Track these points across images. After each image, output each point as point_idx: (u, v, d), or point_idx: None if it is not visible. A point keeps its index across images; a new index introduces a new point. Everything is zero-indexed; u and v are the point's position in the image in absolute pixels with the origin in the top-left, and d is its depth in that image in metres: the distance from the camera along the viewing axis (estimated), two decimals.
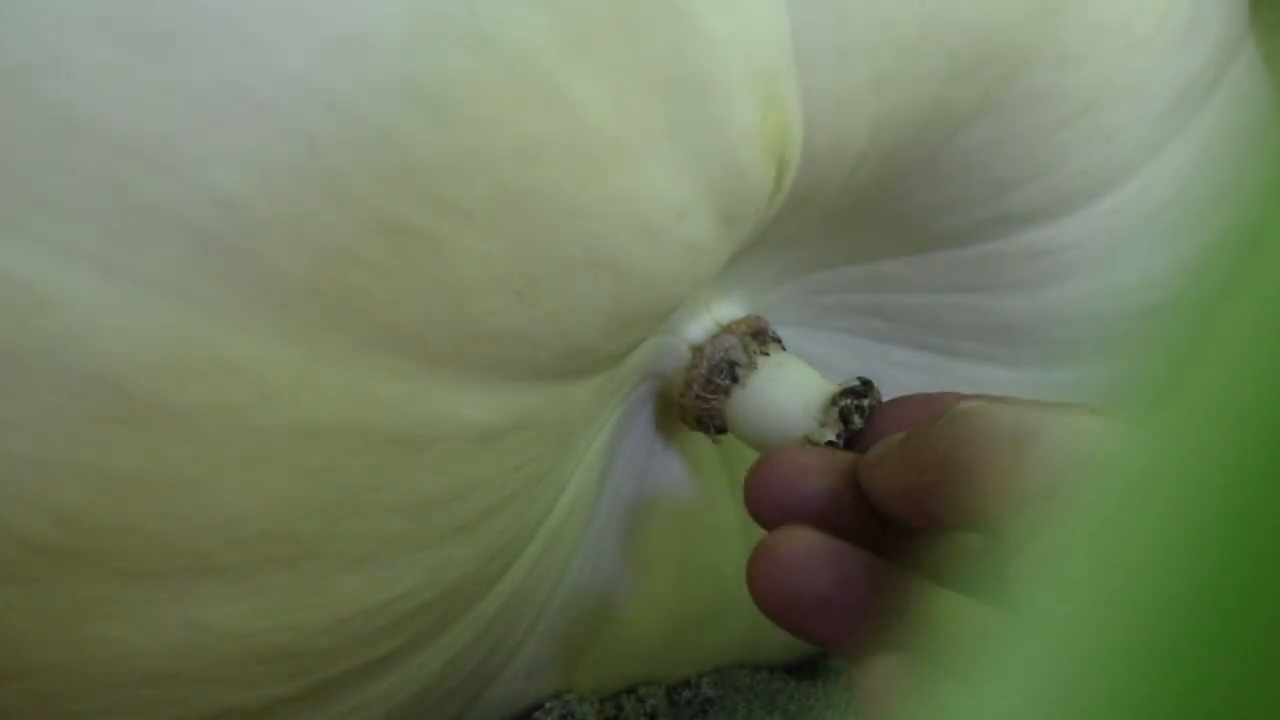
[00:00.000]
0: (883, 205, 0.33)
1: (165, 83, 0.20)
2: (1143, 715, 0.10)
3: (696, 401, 0.34)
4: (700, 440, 0.37)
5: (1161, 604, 0.10)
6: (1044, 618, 0.11)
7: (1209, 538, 0.10)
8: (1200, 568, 0.10)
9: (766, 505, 0.29)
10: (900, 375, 0.38)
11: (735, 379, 0.33)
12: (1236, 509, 0.10)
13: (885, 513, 0.27)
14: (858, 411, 0.32)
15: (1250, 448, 0.10)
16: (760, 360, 0.33)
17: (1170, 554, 0.10)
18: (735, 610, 0.41)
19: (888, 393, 0.33)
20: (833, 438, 0.31)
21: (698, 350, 0.34)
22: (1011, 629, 0.11)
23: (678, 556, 0.39)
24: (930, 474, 0.25)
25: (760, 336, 0.34)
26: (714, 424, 0.34)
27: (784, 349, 0.34)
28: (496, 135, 0.22)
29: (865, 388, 0.32)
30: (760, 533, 0.40)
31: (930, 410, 0.27)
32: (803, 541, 0.27)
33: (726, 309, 0.35)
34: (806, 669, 0.45)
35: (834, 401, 0.32)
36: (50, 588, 0.22)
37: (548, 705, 0.39)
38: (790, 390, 0.33)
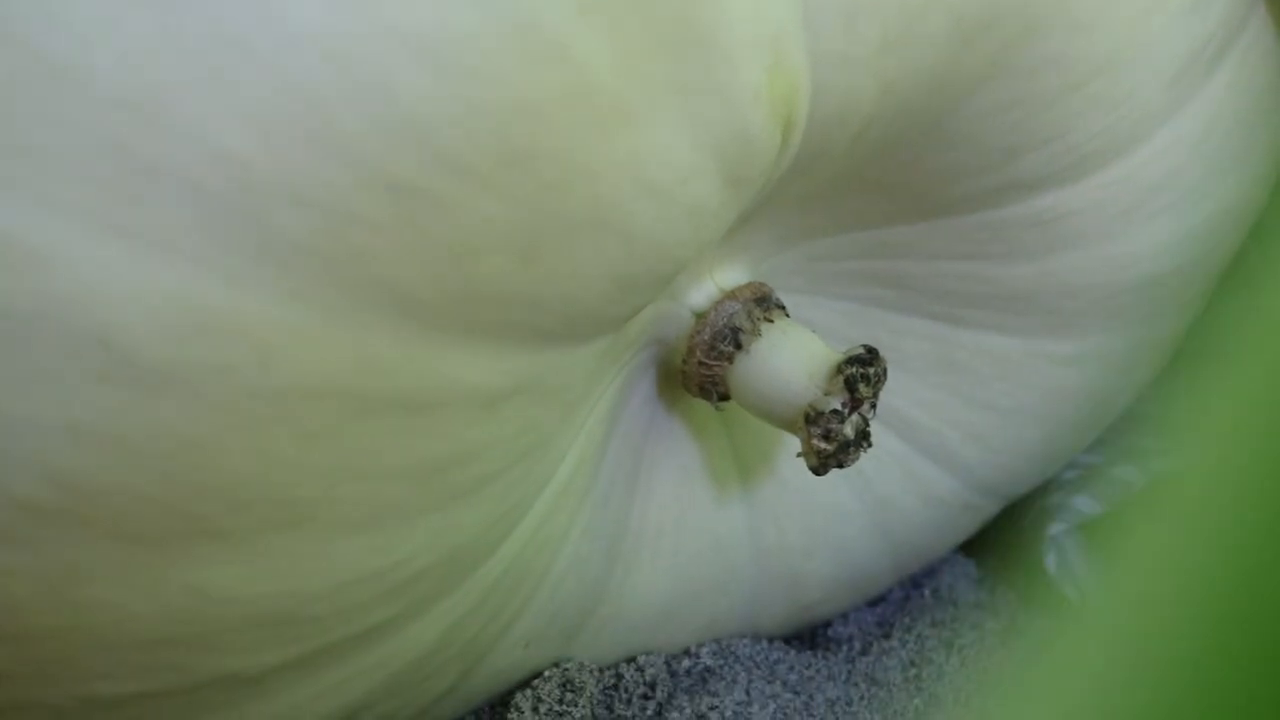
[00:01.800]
0: (889, 171, 0.33)
1: (163, 36, 0.20)
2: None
3: (699, 368, 0.34)
4: (703, 407, 0.37)
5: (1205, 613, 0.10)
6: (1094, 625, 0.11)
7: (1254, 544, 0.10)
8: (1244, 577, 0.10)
9: None
10: (904, 343, 0.38)
11: (739, 346, 0.33)
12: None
13: None
14: (863, 380, 0.31)
15: None
16: (764, 327, 0.33)
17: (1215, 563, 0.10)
18: (736, 579, 0.41)
19: (892, 361, 0.33)
20: (837, 406, 0.31)
21: (701, 316, 0.34)
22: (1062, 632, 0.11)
23: (678, 525, 0.39)
24: None
25: (764, 303, 0.34)
26: (717, 391, 0.34)
27: (788, 316, 0.34)
28: (499, 93, 0.22)
29: (870, 356, 0.32)
30: (762, 501, 0.40)
31: None
32: None
33: (730, 275, 0.35)
34: (806, 640, 0.45)
35: (839, 370, 0.32)
36: (47, 551, 0.22)
37: (546, 674, 0.39)
38: (794, 358, 0.33)
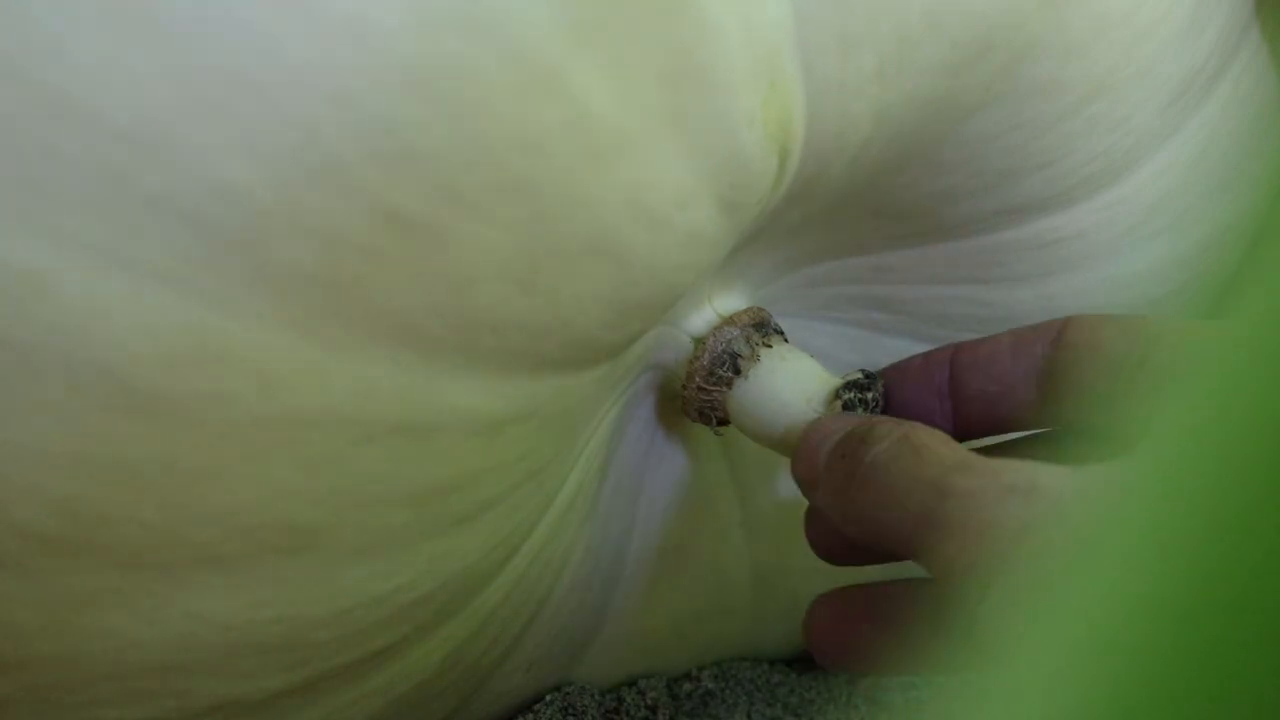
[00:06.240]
0: (886, 196, 0.33)
1: (165, 71, 0.20)
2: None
3: (698, 393, 0.34)
4: (702, 432, 0.37)
5: (1160, 604, 0.10)
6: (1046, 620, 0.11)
7: (1210, 536, 0.10)
8: (1200, 567, 0.10)
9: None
10: None
11: (737, 371, 0.33)
12: (1237, 513, 0.10)
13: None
14: (861, 404, 0.32)
15: (1255, 446, 0.10)
16: (762, 352, 0.33)
17: (1170, 553, 0.10)
18: (736, 602, 0.41)
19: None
20: None
21: (699, 342, 0.34)
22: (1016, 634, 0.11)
23: (678, 548, 0.39)
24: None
25: (762, 328, 0.34)
26: (716, 416, 0.34)
27: (786, 341, 0.34)
28: (497, 124, 0.22)
29: (869, 380, 0.32)
30: (762, 525, 0.40)
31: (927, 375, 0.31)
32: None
33: (728, 300, 0.35)
34: (807, 662, 0.45)
35: (837, 394, 0.32)
36: (49, 578, 0.22)
37: (548, 698, 0.39)
38: (793, 382, 0.33)
